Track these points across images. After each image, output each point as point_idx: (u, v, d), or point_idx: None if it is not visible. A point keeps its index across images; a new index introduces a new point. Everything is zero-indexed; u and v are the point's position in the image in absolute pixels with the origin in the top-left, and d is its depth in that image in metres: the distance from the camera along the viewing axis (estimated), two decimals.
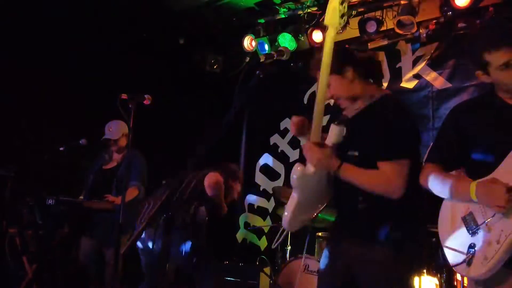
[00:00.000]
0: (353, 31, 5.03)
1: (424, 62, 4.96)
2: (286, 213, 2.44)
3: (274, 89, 6.01)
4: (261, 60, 2.13)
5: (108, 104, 3.52)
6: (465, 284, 3.29)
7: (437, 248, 2.76)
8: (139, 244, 3.92)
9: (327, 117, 2.65)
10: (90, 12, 5.20)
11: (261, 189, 6.18)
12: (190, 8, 5.44)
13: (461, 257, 1.95)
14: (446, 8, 4.55)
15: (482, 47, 1.97)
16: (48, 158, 4.23)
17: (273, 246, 3.11)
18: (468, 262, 1.91)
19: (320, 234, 4.64)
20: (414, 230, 2.26)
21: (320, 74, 2.23)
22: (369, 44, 5.21)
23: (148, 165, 4.61)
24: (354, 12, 5.06)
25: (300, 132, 2.51)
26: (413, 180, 2.17)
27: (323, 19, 2.27)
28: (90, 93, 5.26)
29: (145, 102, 3.68)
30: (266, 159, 6.21)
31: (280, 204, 4.89)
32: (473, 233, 1.94)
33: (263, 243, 5.99)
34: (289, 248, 4.85)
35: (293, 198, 2.39)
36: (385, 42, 5.07)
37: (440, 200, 2.19)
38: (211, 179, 3.99)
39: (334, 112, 2.53)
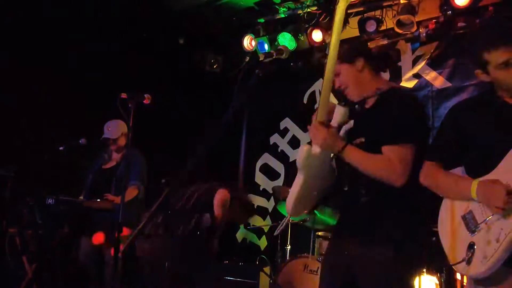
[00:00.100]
0: (352, 31, 5.03)
1: (424, 61, 4.96)
2: (290, 195, 2.44)
3: (274, 89, 6.01)
4: (260, 59, 2.13)
5: (108, 104, 3.52)
6: (465, 284, 3.28)
7: (437, 247, 2.75)
8: None
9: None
10: (90, 12, 5.20)
11: (261, 188, 6.18)
12: (190, 8, 5.45)
13: (460, 256, 1.95)
14: (445, 7, 4.55)
15: (482, 46, 1.97)
16: (48, 158, 4.24)
17: (276, 233, 3.10)
18: (468, 261, 1.91)
19: (320, 233, 4.64)
20: (415, 230, 2.26)
21: (329, 50, 2.24)
22: (368, 43, 5.21)
23: (147, 164, 4.61)
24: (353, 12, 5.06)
25: None
26: (416, 175, 2.17)
27: (323, 18, 2.29)
28: (90, 93, 5.26)
29: (144, 101, 3.69)
30: (266, 158, 6.21)
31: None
32: (472, 232, 1.94)
33: (263, 242, 5.98)
34: (289, 247, 4.85)
35: (298, 179, 2.39)
36: (385, 42, 5.07)
37: (439, 199, 2.19)
38: (220, 195, 3.96)
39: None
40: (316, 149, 2.31)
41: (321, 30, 5.21)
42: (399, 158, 2.17)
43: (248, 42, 5.75)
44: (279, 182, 5.95)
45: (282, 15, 5.59)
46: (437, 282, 3.61)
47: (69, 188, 4.47)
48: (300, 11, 5.40)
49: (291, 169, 5.79)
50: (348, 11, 5.06)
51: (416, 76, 5.01)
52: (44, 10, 5.02)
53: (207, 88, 6.51)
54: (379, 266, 2.19)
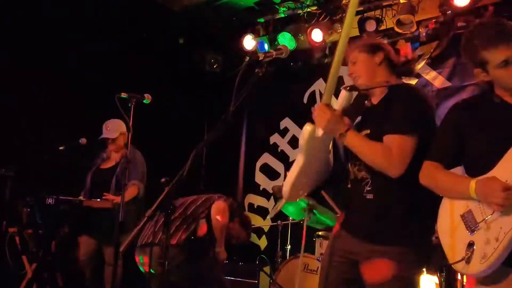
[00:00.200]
0: (352, 30, 5.00)
1: (424, 61, 4.97)
2: (287, 179, 2.45)
3: (274, 89, 6.02)
4: (259, 58, 2.13)
5: (108, 104, 3.53)
6: (465, 283, 3.28)
7: (437, 246, 2.74)
8: None
9: None
10: (90, 12, 5.20)
11: (261, 188, 6.18)
12: (190, 8, 5.45)
13: (460, 255, 1.95)
14: (445, 7, 4.55)
15: (481, 45, 1.97)
16: (48, 158, 4.23)
17: (270, 216, 3.10)
18: (467, 260, 1.91)
19: (320, 233, 4.64)
20: (421, 227, 2.26)
21: (341, 32, 2.26)
22: None
23: (147, 164, 4.61)
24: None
25: None
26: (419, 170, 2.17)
27: (323, 18, 2.30)
28: (90, 93, 5.26)
29: (144, 101, 3.69)
30: (266, 158, 6.22)
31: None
32: (472, 231, 1.94)
33: (263, 242, 5.99)
34: (288, 247, 4.85)
35: (298, 161, 2.40)
36: (384, 41, 5.06)
37: (439, 198, 2.19)
38: (217, 205, 3.96)
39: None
40: (319, 131, 2.31)
41: (321, 30, 5.21)
42: (398, 147, 2.17)
43: (248, 42, 5.76)
44: (279, 182, 5.95)
45: (282, 15, 5.60)
46: (437, 282, 3.60)
47: (69, 188, 4.47)
48: (300, 11, 5.41)
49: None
50: None
51: (416, 75, 5.01)
52: (44, 10, 5.03)
53: (207, 88, 6.52)
54: (384, 264, 2.20)
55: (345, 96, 2.38)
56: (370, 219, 2.29)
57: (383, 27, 4.98)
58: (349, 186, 2.42)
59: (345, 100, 2.38)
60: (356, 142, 2.26)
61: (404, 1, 4.75)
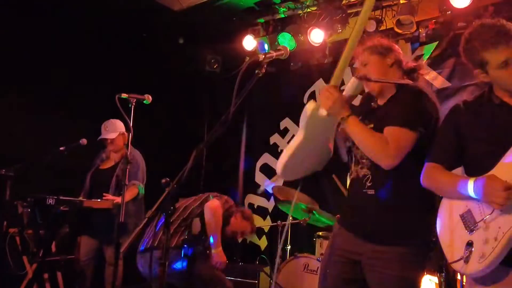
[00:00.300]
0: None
1: (424, 61, 4.97)
2: (284, 152, 2.45)
3: (274, 89, 6.02)
4: (259, 59, 2.13)
5: (108, 104, 3.53)
6: (465, 283, 3.29)
7: (436, 246, 2.74)
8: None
9: None
10: (90, 12, 5.21)
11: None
12: (190, 8, 5.45)
13: (459, 254, 1.96)
14: (445, 7, 4.55)
15: (480, 47, 1.97)
16: (49, 158, 4.24)
17: (261, 188, 3.08)
18: (466, 259, 1.92)
19: (320, 233, 4.64)
20: (422, 227, 2.26)
21: (357, 21, 2.26)
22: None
23: (147, 164, 4.62)
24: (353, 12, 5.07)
25: None
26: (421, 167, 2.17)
27: (323, 18, 2.30)
28: (90, 93, 5.27)
29: (145, 101, 3.70)
30: (266, 159, 6.22)
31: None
32: (471, 230, 1.95)
33: (263, 242, 5.99)
34: (289, 247, 4.85)
35: (297, 137, 2.41)
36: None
37: (439, 198, 2.20)
38: (210, 203, 3.94)
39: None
40: (322, 111, 2.32)
41: (321, 30, 5.21)
42: (395, 139, 2.18)
43: (248, 42, 5.76)
44: (279, 182, 5.95)
45: (282, 15, 5.60)
46: (437, 282, 3.61)
47: (69, 188, 4.48)
48: (300, 11, 5.41)
49: None
50: (348, 11, 5.08)
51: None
52: (44, 10, 5.03)
53: (207, 88, 6.52)
54: (386, 264, 2.21)
55: (355, 84, 2.38)
56: (370, 217, 2.30)
57: (383, 28, 4.97)
58: (351, 184, 2.43)
59: (354, 88, 2.38)
60: (356, 128, 2.27)
61: (404, 2, 4.75)
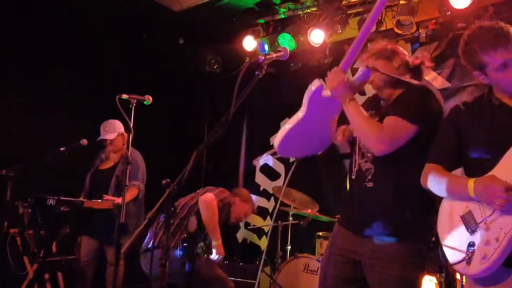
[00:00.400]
0: (352, 31, 5.04)
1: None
2: (282, 129, 2.46)
3: (274, 89, 6.02)
4: (260, 60, 2.14)
5: (108, 104, 3.53)
6: (464, 283, 3.29)
7: (437, 247, 2.76)
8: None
9: None
10: (90, 12, 5.21)
11: (261, 189, 6.19)
12: (190, 8, 5.45)
13: (460, 256, 1.96)
14: (445, 8, 4.55)
15: (479, 49, 1.97)
16: (49, 158, 4.24)
17: (254, 161, 3.09)
18: (468, 260, 1.92)
19: (320, 233, 4.65)
20: (422, 225, 2.27)
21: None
22: (368, 43, 5.22)
23: (148, 165, 4.62)
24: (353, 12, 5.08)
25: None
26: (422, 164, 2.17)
27: (323, 19, 2.30)
28: (90, 93, 5.27)
29: (145, 102, 3.70)
30: (266, 159, 6.22)
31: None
32: (472, 231, 1.95)
33: (263, 242, 5.99)
34: (289, 248, 4.86)
35: (297, 114, 2.44)
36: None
37: (439, 197, 2.20)
38: (202, 197, 3.94)
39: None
40: (327, 91, 2.33)
41: (321, 31, 5.22)
42: (391, 127, 2.21)
43: (248, 43, 5.76)
44: (279, 182, 5.96)
45: (282, 16, 5.60)
46: (437, 282, 3.61)
47: (70, 189, 4.48)
48: (300, 12, 5.41)
49: (291, 170, 5.79)
50: (348, 12, 5.08)
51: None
52: (44, 10, 5.04)
53: (207, 89, 6.52)
54: (385, 263, 2.21)
55: (363, 72, 2.39)
56: (369, 213, 2.30)
57: (383, 28, 4.97)
58: (353, 177, 2.43)
59: (362, 77, 2.39)
60: (356, 112, 2.28)
61: (404, 2, 4.75)
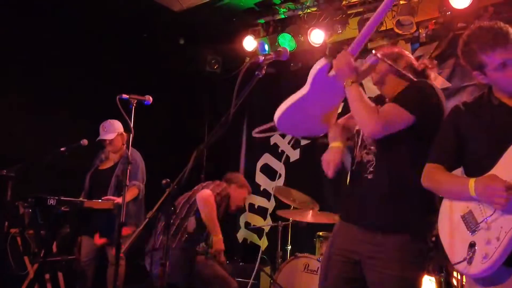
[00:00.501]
0: (352, 31, 5.04)
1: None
2: (284, 103, 2.49)
3: (274, 89, 6.02)
4: (260, 61, 2.14)
5: (108, 104, 3.54)
6: (464, 283, 3.29)
7: (437, 247, 2.75)
8: None
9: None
10: (90, 12, 5.21)
11: (261, 189, 6.19)
12: (190, 8, 5.45)
13: (461, 256, 1.96)
14: (445, 8, 4.55)
15: (478, 49, 1.98)
16: (49, 158, 4.25)
17: (254, 132, 3.10)
18: (469, 260, 1.92)
19: (320, 233, 4.65)
20: (421, 222, 2.27)
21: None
22: (368, 44, 5.22)
23: (148, 165, 4.62)
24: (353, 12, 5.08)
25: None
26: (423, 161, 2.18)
27: (323, 19, 2.31)
28: (90, 93, 5.27)
29: (145, 102, 3.70)
30: (266, 159, 6.22)
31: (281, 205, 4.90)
32: (473, 231, 1.95)
33: (263, 242, 6.00)
34: (289, 247, 4.86)
35: (301, 90, 2.46)
36: (384, 42, 5.08)
37: (439, 199, 2.20)
38: (199, 195, 3.94)
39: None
40: (333, 71, 2.34)
41: (321, 31, 5.22)
42: (387, 112, 2.24)
43: (248, 43, 5.76)
44: (280, 182, 5.96)
45: (282, 16, 5.60)
46: (437, 282, 3.61)
47: (70, 189, 4.49)
48: (300, 12, 5.41)
49: (291, 170, 5.80)
50: (348, 12, 5.08)
51: None
52: (44, 10, 5.04)
53: (207, 89, 6.52)
54: (385, 262, 2.21)
55: (371, 58, 2.39)
56: (369, 206, 2.30)
57: (383, 28, 4.97)
58: (353, 168, 2.45)
59: (369, 62, 2.39)
60: (356, 93, 2.28)
61: (404, 2, 4.75)
